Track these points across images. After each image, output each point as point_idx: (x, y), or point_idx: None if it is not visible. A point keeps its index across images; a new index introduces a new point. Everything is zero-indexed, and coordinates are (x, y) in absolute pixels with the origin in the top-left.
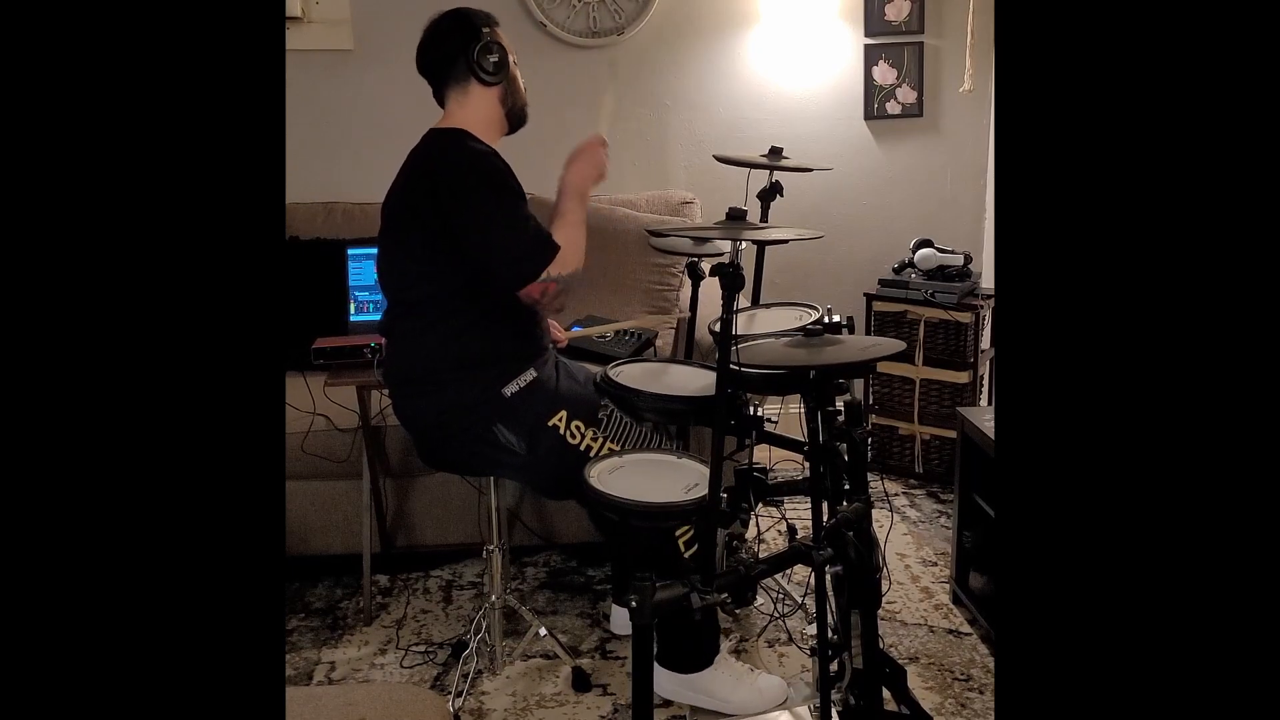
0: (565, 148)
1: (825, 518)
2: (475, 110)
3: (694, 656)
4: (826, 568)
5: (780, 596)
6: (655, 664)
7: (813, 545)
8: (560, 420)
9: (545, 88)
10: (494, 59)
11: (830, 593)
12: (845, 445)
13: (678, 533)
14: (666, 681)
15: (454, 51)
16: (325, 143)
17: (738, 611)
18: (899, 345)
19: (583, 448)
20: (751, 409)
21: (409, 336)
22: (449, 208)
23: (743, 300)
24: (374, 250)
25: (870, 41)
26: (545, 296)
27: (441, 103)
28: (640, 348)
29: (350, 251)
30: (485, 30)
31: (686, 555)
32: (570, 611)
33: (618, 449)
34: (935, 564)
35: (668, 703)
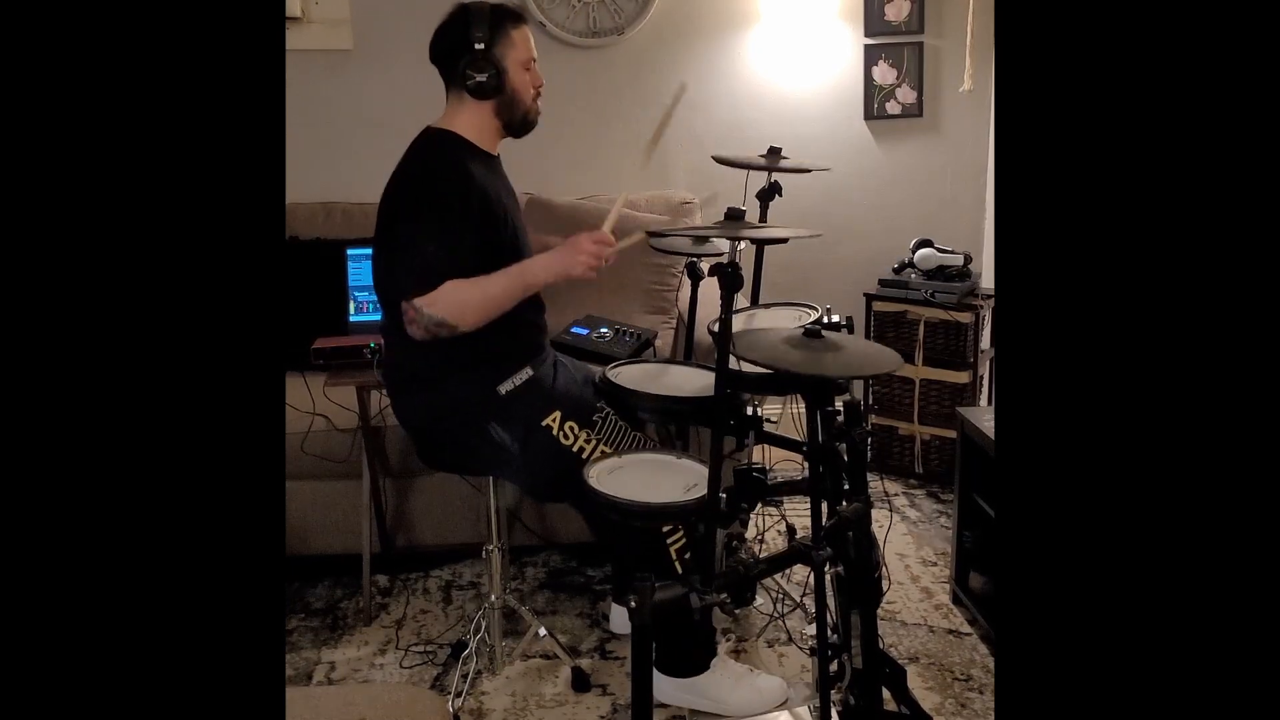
0: (564, 148)
1: (825, 518)
2: (469, 117)
3: (691, 660)
4: (826, 568)
5: (780, 596)
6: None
7: (812, 545)
8: (554, 420)
9: (544, 88)
10: (481, 78)
11: (830, 593)
12: (845, 445)
13: (669, 540)
14: (665, 686)
15: (453, 53)
16: (325, 143)
17: (737, 611)
18: (897, 360)
19: (575, 449)
20: (751, 409)
21: (406, 336)
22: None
23: (742, 300)
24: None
25: (870, 41)
26: (405, 318)
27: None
28: (639, 348)
29: (350, 251)
30: (479, 47)
31: (677, 560)
32: (570, 611)
33: (610, 451)
34: (935, 564)
35: (667, 704)
